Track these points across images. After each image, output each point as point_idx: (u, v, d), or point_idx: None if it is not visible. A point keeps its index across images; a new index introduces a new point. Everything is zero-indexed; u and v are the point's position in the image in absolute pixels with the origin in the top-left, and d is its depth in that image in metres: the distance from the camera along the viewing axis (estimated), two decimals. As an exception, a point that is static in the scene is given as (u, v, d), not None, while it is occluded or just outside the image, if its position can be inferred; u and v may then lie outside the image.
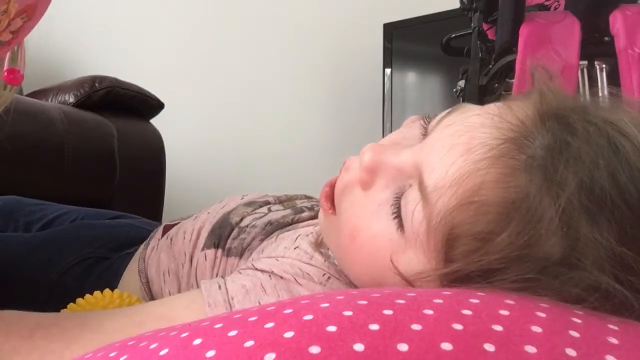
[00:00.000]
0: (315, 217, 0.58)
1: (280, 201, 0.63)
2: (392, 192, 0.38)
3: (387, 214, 0.38)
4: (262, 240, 0.54)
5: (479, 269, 0.32)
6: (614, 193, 0.30)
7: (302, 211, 0.59)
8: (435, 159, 0.35)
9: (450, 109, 0.39)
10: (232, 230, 0.57)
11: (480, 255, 0.32)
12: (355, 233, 0.40)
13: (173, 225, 0.65)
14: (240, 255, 0.54)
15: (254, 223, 0.57)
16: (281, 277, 0.44)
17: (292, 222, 0.57)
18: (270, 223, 0.56)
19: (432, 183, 0.35)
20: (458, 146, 0.35)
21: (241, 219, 0.58)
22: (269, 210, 0.60)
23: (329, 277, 0.44)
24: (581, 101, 0.36)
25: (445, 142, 0.36)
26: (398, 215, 0.37)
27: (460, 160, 0.34)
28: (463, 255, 0.34)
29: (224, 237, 0.56)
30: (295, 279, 0.44)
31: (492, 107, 0.37)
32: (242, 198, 0.64)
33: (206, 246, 0.57)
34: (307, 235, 0.50)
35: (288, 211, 0.59)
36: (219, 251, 0.56)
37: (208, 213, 0.62)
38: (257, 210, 0.60)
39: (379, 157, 0.39)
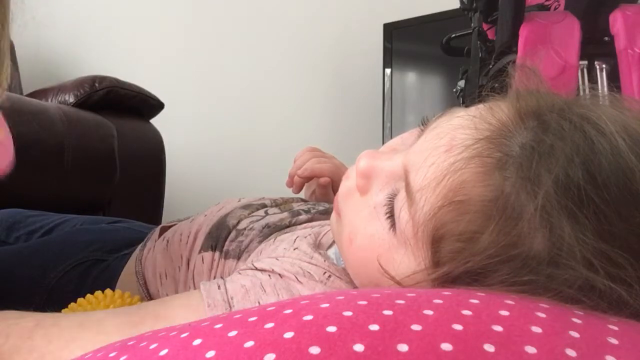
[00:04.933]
0: (311, 220, 0.59)
1: (276, 204, 0.64)
2: (386, 195, 0.38)
3: (381, 215, 0.38)
4: (260, 243, 0.54)
5: (468, 270, 0.32)
6: (591, 189, 0.30)
7: (299, 214, 0.59)
8: (419, 161, 0.36)
9: (441, 112, 0.40)
10: (230, 232, 0.57)
11: (466, 256, 0.32)
12: (352, 235, 0.40)
13: (170, 227, 0.65)
14: (238, 258, 0.54)
15: (251, 226, 0.57)
16: (281, 276, 0.44)
17: (290, 225, 0.57)
18: (268, 225, 0.56)
19: (417, 184, 0.35)
20: (439, 147, 0.35)
21: (238, 222, 0.58)
22: (266, 213, 0.60)
23: (329, 276, 0.44)
24: (561, 99, 0.36)
25: (429, 144, 0.36)
26: (391, 215, 0.38)
27: (440, 160, 0.35)
28: (450, 257, 0.34)
29: (222, 239, 0.56)
30: (296, 278, 0.44)
31: (473, 109, 0.37)
32: (239, 201, 0.64)
33: (203, 249, 0.57)
34: (306, 237, 0.50)
35: (285, 214, 0.59)
36: (217, 254, 0.56)
37: (205, 216, 0.62)
38: (254, 213, 0.60)
39: (374, 162, 0.40)
